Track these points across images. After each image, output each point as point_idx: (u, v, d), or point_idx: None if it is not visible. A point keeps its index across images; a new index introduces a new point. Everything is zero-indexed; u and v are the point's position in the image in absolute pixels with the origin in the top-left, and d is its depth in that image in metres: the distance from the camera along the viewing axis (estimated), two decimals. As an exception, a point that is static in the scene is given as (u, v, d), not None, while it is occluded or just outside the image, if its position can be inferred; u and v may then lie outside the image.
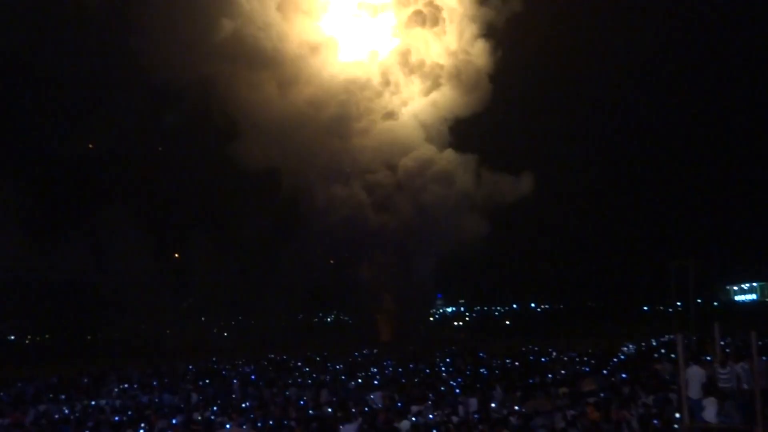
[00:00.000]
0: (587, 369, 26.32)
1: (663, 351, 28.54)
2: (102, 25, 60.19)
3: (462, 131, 61.88)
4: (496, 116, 62.18)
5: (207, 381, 30.26)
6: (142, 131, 64.88)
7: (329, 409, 20.48)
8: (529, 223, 69.51)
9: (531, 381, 23.64)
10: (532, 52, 63.45)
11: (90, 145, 66.50)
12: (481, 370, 28.48)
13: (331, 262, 66.23)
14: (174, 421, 20.02)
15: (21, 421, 21.24)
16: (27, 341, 67.83)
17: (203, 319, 74.88)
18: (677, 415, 15.60)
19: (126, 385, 29.54)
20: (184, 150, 65.17)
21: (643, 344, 33.83)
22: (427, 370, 30.20)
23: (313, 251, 61.85)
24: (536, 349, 36.88)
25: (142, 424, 19.72)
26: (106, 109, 62.65)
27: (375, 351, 42.75)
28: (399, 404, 20.50)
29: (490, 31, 61.11)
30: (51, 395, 26.75)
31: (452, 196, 59.71)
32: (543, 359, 31.47)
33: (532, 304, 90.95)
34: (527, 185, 61.19)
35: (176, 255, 69.79)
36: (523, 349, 37.52)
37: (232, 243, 67.07)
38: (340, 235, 60.47)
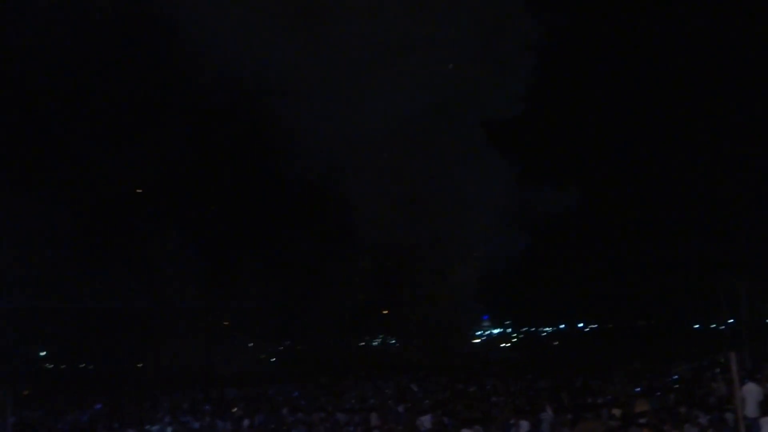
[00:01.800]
0: (639, 389, 25.92)
1: (718, 370, 27.98)
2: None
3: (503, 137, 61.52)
4: (540, 123, 61.99)
5: (256, 407, 30.51)
6: (190, 151, 64.91)
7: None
8: (575, 239, 68.82)
9: (582, 402, 23.37)
10: (579, 60, 63.11)
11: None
12: (531, 392, 28.25)
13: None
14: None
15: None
16: (75, 369, 68.78)
17: (251, 345, 75.35)
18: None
19: (177, 412, 29.94)
20: (233, 166, 65.61)
21: (696, 363, 33.22)
22: (477, 392, 30.08)
23: (360, 269, 61.84)
24: (586, 369, 36.41)
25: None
26: (153, 131, 63.11)
27: (423, 374, 42.58)
28: (448, 427, 20.47)
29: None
30: (104, 423, 27.21)
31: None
32: (593, 380, 31.05)
33: (580, 324, 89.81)
34: (573, 198, 60.66)
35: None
36: (573, 369, 37.08)
37: (280, 264, 67.25)
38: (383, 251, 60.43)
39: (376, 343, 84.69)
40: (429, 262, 62.45)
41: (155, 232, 62.47)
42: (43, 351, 67.05)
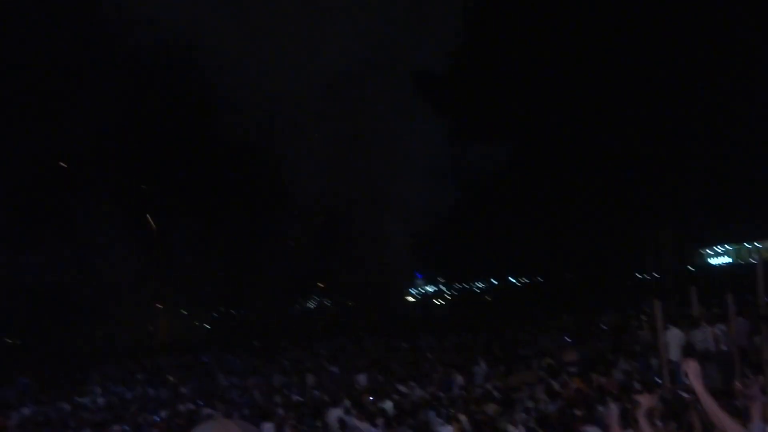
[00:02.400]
0: (569, 340, 26.53)
1: (643, 318, 28.79)
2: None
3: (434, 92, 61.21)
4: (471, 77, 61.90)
5: (191, 373, 30.22)
6: (118, 113, 62.44)
7: (316, 392, 20.49)
8: (505, 194, 69.41)
9: (513, 354, 23.82)
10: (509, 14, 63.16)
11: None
12: (464, 347, 28.67)
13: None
14: (156, 418, 19.97)
15: (4, 426, 21.08)
16: (2, 345, 66.78)
17: (185, 312, 74.51)
18: (658, 380, 15.78)
19: (109, 383, 29.44)
20: (163, 128, 63.85)
21: (622, 312, 34.08)
22: (411, 350, 30.39)
23: (293, 232, 61.29)
24: (518, 322, 37.05)
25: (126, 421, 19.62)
26: (78, 100, 60.48)
27: (358, 333, 42.74)
28: (383, 384, 20.61)
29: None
30: (34, 398, 26.56)
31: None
32: (525, 333, 31.63)
33: (512, 279, 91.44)
34: (503, 153, 60.95)
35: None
36: (505, 323, 37.69)
37: (212, 230, 66.21)
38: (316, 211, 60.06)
39: (311, 305, 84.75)
40: (361, 218, 62.27)
41: (83, 203, 60.66)
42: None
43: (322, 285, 74.48)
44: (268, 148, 59.51)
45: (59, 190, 64.61)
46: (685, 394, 11.83)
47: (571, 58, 69.64)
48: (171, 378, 28.59)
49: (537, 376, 18.32)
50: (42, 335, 63.70)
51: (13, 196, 59.24)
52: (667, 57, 67.36)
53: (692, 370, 3.76)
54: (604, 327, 29.82)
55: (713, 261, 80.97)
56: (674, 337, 16.78)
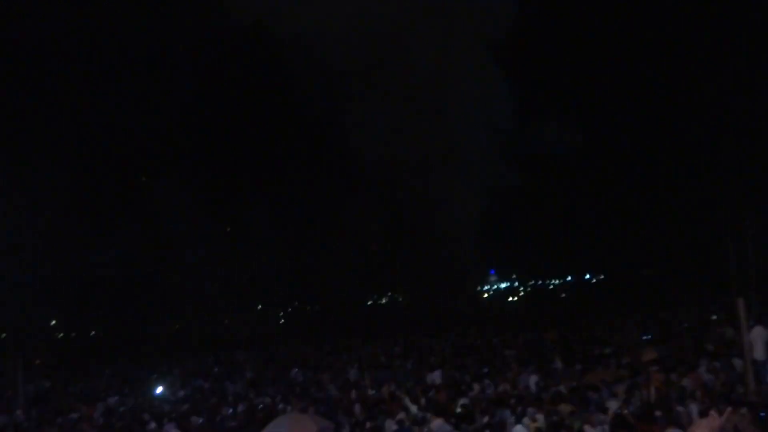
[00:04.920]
0: (648, 337, 25.92)
1: (724, 316, 27.92)
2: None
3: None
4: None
5: (266, 367, 30.70)
6: (189, 102, 61.21)
7: (391, 389, 20.43)
8: (577, 180, 67.09)
9: (590, 353, 23.36)
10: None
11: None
12: (540, 344, 28.27)
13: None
14: (231, 410, 20.37)
15: (90, 415, 21.83)
16: (85, 337, 68.74)
17: (260, 308, 75.69)
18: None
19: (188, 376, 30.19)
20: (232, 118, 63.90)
21: (703, 310, 33.13)
22: (485, 347, 30.13)
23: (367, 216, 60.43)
24: (594, 320, 36.39)
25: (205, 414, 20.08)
26: (150, 79, 60.29)
27: (431, 330, 42.58)
28: (459, 382, 20.49)
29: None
30: (118, 389, 27.47)
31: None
32: (601, 330, 31.04)
33: (587, 276, 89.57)
34: (575, 136, 58.64)
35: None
36: (581, 320, 37.07)
37: (288, 225, 66.07)
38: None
39: (384, 301, 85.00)
40: (432, 193, 60.71)
41: (158, 197, 61.58)
42: (52, 320, 67.01)
43: (393, 280, 74.12)
44: (338, 123, 58.52)
45: (134, 184, 65.81)
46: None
47: (651, 32, 66.17)
48: (248, 373, 29.12)
49: (615, 375, 17.95)
50: (121, 328, 65.55)
51: (89, 192, 60.31)
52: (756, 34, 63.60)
53: None
54: (685, 325, 29.00)
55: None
56: (759, 335, 16.16)
